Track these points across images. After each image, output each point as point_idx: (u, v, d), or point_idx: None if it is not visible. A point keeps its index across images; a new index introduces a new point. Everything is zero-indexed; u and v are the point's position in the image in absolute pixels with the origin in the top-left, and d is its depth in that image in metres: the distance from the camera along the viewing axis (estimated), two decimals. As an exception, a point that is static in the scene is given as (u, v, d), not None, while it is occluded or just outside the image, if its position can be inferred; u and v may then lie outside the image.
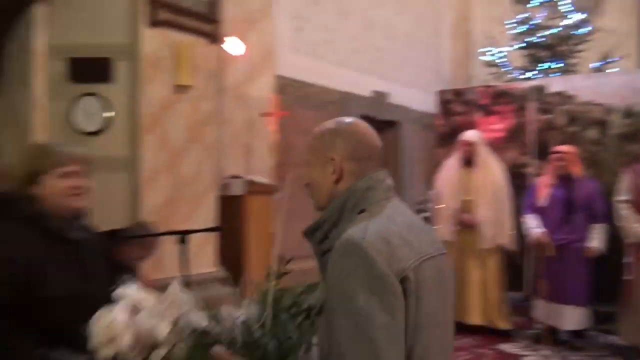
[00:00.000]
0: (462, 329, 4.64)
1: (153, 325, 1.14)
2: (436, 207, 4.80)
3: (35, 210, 1.65)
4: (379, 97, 6.77)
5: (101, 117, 3.72)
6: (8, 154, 3.90)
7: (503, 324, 4.54)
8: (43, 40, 3.79)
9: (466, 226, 4.53)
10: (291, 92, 5.67)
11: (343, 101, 6.30)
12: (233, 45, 4.44)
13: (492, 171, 4.57)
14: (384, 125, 7.12)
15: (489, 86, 5.92)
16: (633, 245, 4.12)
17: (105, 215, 3.61)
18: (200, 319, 1.17)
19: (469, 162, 4.59)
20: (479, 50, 7.85)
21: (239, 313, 1.12)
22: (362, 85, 6.57)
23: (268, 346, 1.07)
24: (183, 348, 1.17)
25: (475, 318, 4.55)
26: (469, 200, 4.55)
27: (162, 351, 1.15)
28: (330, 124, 1.33)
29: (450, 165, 4.76)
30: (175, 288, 1.21)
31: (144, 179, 3.73)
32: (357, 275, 1.08)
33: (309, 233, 1.27)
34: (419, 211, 7.20)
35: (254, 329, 1.09)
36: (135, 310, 1.17)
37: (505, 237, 4.53)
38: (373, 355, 1.04)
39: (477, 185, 4.54)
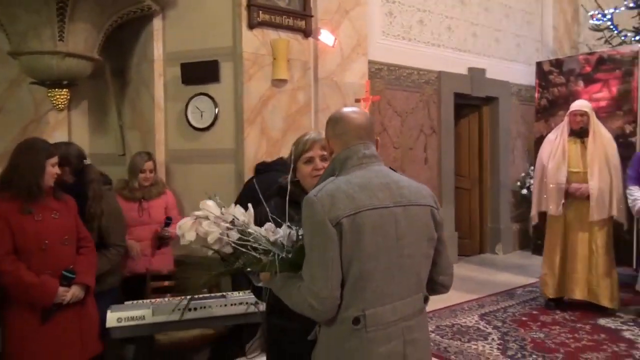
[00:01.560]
0: (565, 304, 4.62)
1: (207, 231, 1.66)
2: (539, 181, 4.64)
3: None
4: (476, 74, 6.70)
5: (211, 114, 4.18)
6: (136, 149, 4.52)
7: (608, 303, 4.38)
8: (160, 49, 4.33)
9: (575, 199, 4.41)
10: (384, 75, 5.84)
11: (437, 81, 6.34)
12: (325, 37, 4.70)
13: (604, 141, 4.38)
14: (480, 102, 7.04)
15: (590, 53, 5.65)
16: None
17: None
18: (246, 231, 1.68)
19: (578, 133, 4.42)
20: (588, 14, 7.39)
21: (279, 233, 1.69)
22: (457, 63, 6.55)
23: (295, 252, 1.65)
24: (229, 248, 1.68)
25: (579, 293, 4.46)
26: (577, 172, 4.40)
27: (214, 247, 1.68)
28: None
29: (555, 137, 4.59)
30: (234, 208, 1.72)
31: (247, 167, 4.13)
32: (308, 221, 1.57)
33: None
34: (521, 187, 7.10)
35: (287, 243, 1.68)
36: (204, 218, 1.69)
37: (616, 210, 4.36)
38: (310, 272, 1.56)
39: (589, 156, 4.36)
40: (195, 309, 2.88)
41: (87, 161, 3.02)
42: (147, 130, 4.41)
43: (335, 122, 1.74)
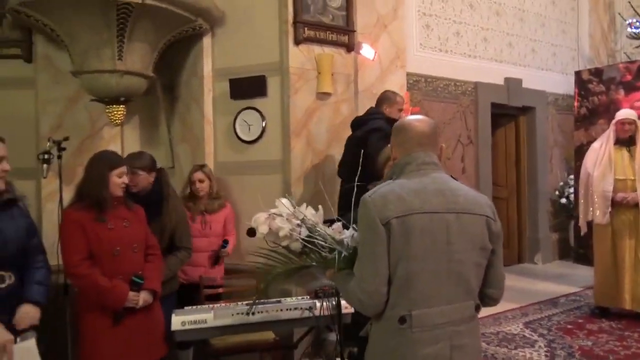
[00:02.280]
0: (611, 314, 4.59)
1: (280, 226, 1.87)
2: (585, 190, 4.64)
3: None
4: (512, 84, 6.74)
5: (258, 127, 4.34)
6: (185, 162, 4.71)
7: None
8: (209, 65, 4.52)
9: (621, 206, 4.40)
10: (422, 87, 5.94)
11: (473, 91, 6.40)
12: (367, 51, 4.83)
13: None
14: (518, 111, 7.06)
15: (631, 62, 5.65)
16: None
17: (265, 208, 4.25)
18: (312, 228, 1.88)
19: (625, 141, 4.45)
20: (626, 22, 7.36)
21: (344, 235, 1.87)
22: (494, 73, 6.60)
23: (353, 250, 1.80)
24: (299, 245, 1.86)
25: (625, 303, 4.44)
26: (624, 180, 4.42)
27: (283, 243, 1.86)
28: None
29: (600, 146, 4.61)
30: (305, 209, 1.93)
31: (293, 178, 4.27)
32: (361, 219, 1.70)
33: None
34: (559, 196, 7.07)
35: (352, 243, 1.83)
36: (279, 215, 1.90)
37: None
38: (360, 267, 1.69)
39: (637, 164, 4.38)
40: (253, 313, 3.00)
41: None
42: (197, 144, 4.59)
43: (399, 130, 1.85)
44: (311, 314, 3.03)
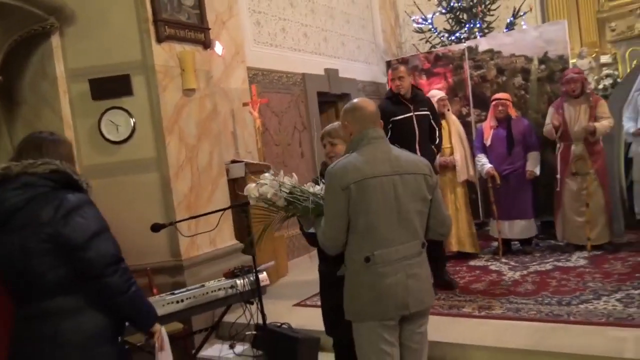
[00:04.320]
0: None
1: (266, 190, 2.37)
2: None
3: None
4: (331, 74, 7.58)
5: (127, 126, 4.30)
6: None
7: (471, 248, 5.52)
8: (61, 66, 4.29)
9: (444, 168, 5.32)
10: (260, 80, 6.37)
11: (302, 82, 7.06)
12: (217, 47, 5.08)
13: (455, 122, 5.49)
14: (337, 98, 7.96)
15: (429, 52, 6.87)
16: (562, 162, 5.24)
17: (143, 207, 4.28)
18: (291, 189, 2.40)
19: (442, 115, 5.34)
20: (410, 18, 8.75)
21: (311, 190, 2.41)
22: (316, 65, 7.35)
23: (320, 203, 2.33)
24: (282, 201, 2.36)
25: (452, 246, 5.52)
26: (446, 147, 5.32)
27: (270, 202, 2.38)
28: (345, 106, 2.40)
29: None
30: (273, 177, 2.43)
31: (172, 174, 4.36)
32: (326, 185, 2.22)
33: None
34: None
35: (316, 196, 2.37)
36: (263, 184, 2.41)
37: (472, 172, 5.50)
38: (325, 219, 2.22)
39: (451, 135, 5.34)
40: (182, 300, 3.14)
41: None
42: (55, 149, 4.32)
43: (353, 110, 2.33)
44: (234, 292, 3.30)
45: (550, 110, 5.34)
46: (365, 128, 2.26)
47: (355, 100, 2.38)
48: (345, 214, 2.15)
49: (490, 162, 5.46)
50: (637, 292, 3.91)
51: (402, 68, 4.57)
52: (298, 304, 4.68)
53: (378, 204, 2.15)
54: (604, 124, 5.04)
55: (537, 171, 5.38)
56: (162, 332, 2.17)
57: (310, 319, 3.90)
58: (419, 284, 2.23)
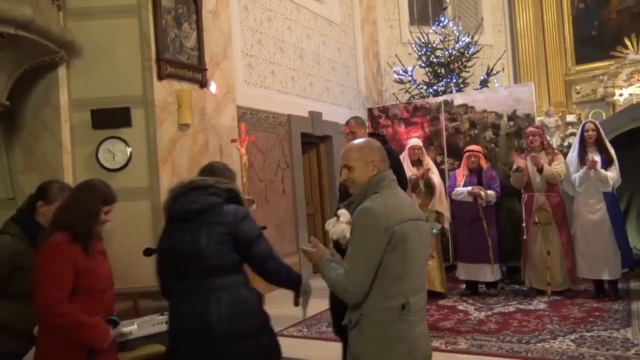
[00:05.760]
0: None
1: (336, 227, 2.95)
2: None
3: None
4: (315, 116, 7.97)
5: (123, 155, 4.56)
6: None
7: (440, 288, 5.84)
8: (65, 95, 4.56)
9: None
10: (248, 118, 6.71)
11: (287, 122, 7.43)
12: (212, 87, 5.42)
13: (432, 167, 5.89)
14: (320, 139, 8.34)
15: (408, 102, 7.34)
16: (526, 211, 5.64)
17: (134, 234, 4.49)
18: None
19: (415, 162, 5.80)
20: (391, 69, 9.28)
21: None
22: (301, 107, 7.75)
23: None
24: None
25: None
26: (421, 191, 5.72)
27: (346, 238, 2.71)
28: (362, 142, 2.20)
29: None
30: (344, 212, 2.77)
31: (163, 202, 4.59)
32: (364, 225, 2.00)
33: (347, 205, 2.23)
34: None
35: None
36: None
37: (444, 207, 5.82)
38: (352, 260, 2.00)
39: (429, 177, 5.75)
40: (166, 322, 3.33)
41: None
42: (52, 173, 4.53)
43: (381, 149, 2.18)
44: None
45: (515, 157, 5.72)
46: (384, 169, 2.16)
47: (366, 139, 2.23)
48: (380, 257, 1.97)
49: (459, 208, 5.83)
50: (589, 334, 4.25)
51: (351, 122, 4.20)
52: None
53: (414, 248, 2.02)
54: (553, 167, 5.48)
55: (486, 197, 5.69)
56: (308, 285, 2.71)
57: (289, 349, 4.10)
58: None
